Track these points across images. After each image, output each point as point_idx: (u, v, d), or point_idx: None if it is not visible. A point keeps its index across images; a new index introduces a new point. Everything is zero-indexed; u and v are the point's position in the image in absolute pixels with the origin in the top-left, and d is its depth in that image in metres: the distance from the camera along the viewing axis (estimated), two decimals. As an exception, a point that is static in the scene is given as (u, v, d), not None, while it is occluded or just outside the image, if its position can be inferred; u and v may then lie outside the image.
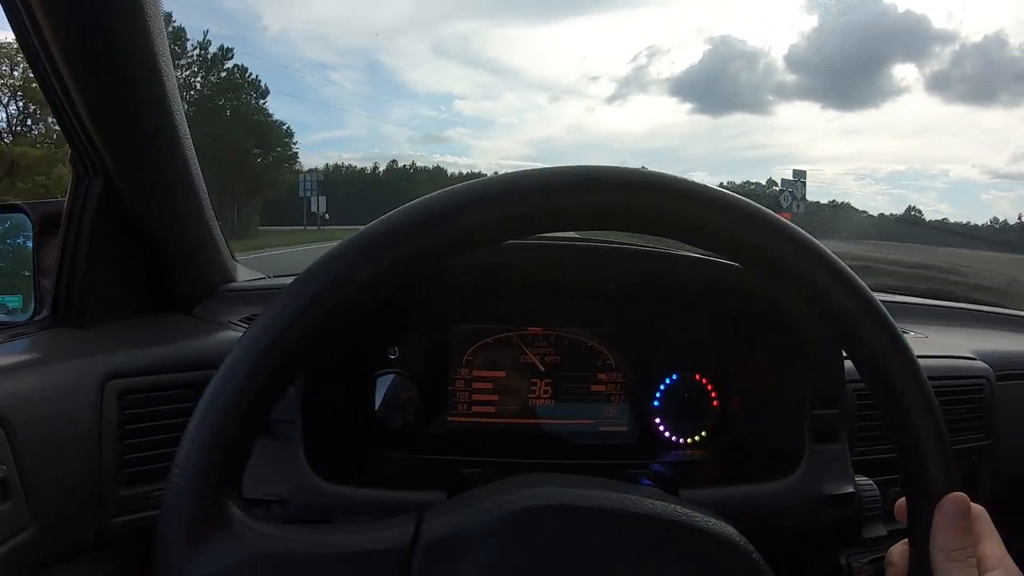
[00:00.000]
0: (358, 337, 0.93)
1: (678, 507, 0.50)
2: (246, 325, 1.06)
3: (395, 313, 0.94)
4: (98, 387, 0.84)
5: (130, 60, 0.85)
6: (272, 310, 0.48)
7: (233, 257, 1.24)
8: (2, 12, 0.79)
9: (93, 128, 0.88)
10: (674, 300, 1.01)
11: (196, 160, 1.01)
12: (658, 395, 1.02)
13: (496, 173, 0.51)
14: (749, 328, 0.98)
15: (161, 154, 0.96)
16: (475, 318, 0.99)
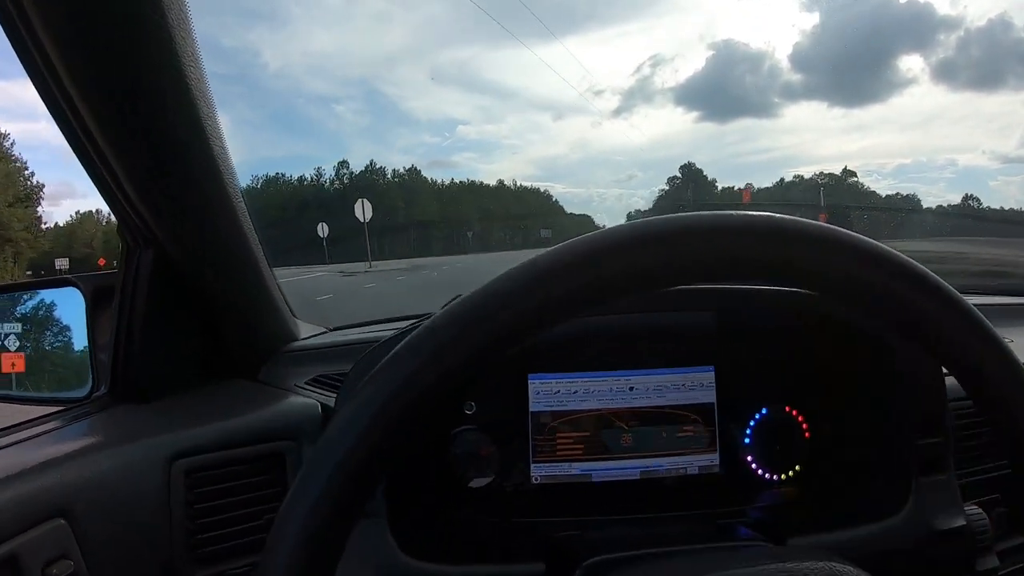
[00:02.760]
0: None
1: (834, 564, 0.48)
2: (313, 388, 1.04)
3: None
4: (164, 468, 0.81)
5: (174, 126, 0.80)
6: (364, 395, 0.43)
7: (293, 313, 1.20)
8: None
9: (138, 199, 0.84)
10: (756, 333, 0.97)
11: (250, 220, 0.97)
12: (748, 432, 0.98)
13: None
14: (836, 355, 0.94)
15: (213, 220, 0.92)
16: (554, 367, 0.95)
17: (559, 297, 0.41)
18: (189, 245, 0.93)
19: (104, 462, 0.77)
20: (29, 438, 0.82)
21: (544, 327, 0.42)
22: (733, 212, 0.43)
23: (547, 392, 0.95)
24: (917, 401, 0.84)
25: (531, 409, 0.95)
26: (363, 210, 29.93)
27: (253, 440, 0.89)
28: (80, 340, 0.96)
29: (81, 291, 0.95)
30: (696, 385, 0.96)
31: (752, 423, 0.98)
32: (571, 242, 0.42)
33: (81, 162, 0.82)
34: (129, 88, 0.74)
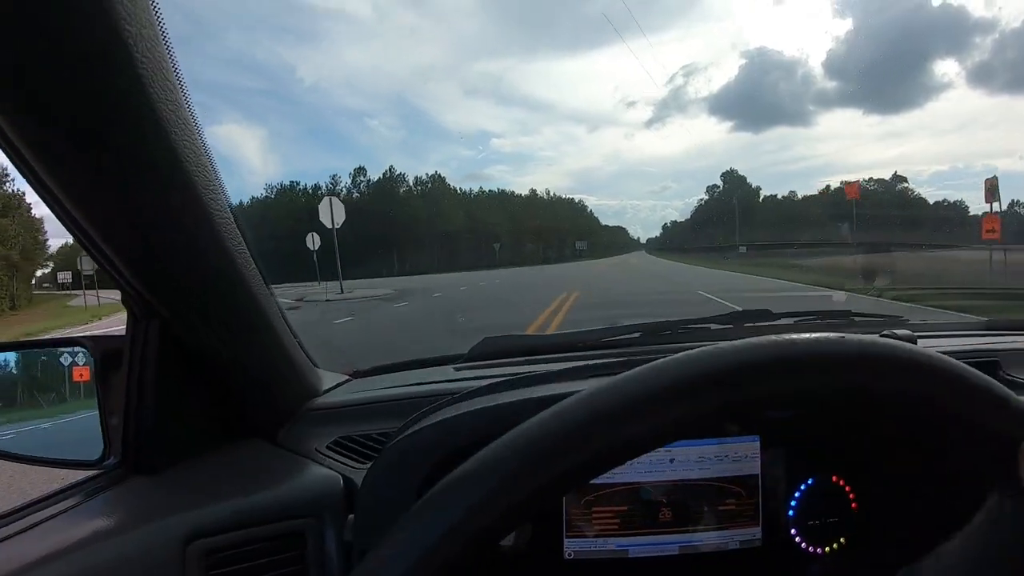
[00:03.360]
0: (442, 463, 0.85)
1: None
2: (335, 454, 1.00)
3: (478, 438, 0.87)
4: (179, 551, 0.77)
5: (167, 205, 0.73)
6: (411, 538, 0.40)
7: (314, 363, 1.15)
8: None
9: (133, 278, 0.80)
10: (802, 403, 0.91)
11: (260, 277, 0.91)
12: (793, 504, 0.93)
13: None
14: (886, 422, 0.86)
15: (219, 292, 0.87)
16: None
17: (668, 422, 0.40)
18: (194, 319, 0.89)
19: (117, 549, 0.75)
20: (43, 520, 0.79)
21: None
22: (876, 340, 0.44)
23: None
24: (972, 471, 0.79)
25: None
26: (330, 212, 21.49)
27: (272, 517, 0.85)
28: (90, 401, 0.93)
29: (89, 352, 0.92)
30: (740, 456, 0.91)
31: (797, 494, 0.93)
32: (672, 365, 0.41)
33: (74, 237, 0.76)
34: (111, 168, 0.67)
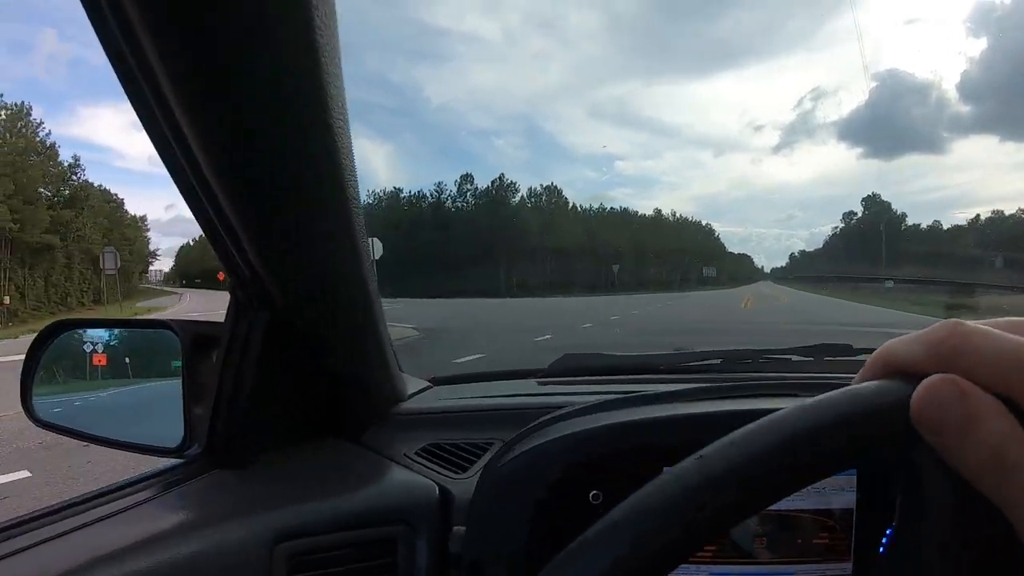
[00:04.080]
0: (560, 480, 0.81)
1: None
2: (424, 460, 0.98)
3: (606, 453, 0.82)
4: (266, 553, 0.75)
5: (313, 184, 0.71)
6: None
7: (401, 369, 1.13)
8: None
9: (259, 263, 0.77)
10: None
11: (376, 276, 0.90)
12: (885, 540, 0.81)
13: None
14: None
15: (343, 287, 0.85)
16: None
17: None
18: (311, 312, 0.87)
19: (201, 544, 0.71)
20: (120, 511, 0.77)
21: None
22: None
23: None
24: None
25: None
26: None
27: (364, 522, 0.83)
28: (174, 387, 0.91)
29: (178, 335, 0.89)
30: (836, 488, 0.86)
31: (890, 530, 0.82)
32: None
33: (193, 212, 0.75)
34: (275, 161, 0.66)
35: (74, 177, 44.23)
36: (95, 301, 43.89)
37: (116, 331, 1.04)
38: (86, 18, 0.56)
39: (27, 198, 37.50)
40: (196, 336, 0.89)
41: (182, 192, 0.71)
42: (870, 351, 1.19)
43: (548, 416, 0.86)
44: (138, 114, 0.63)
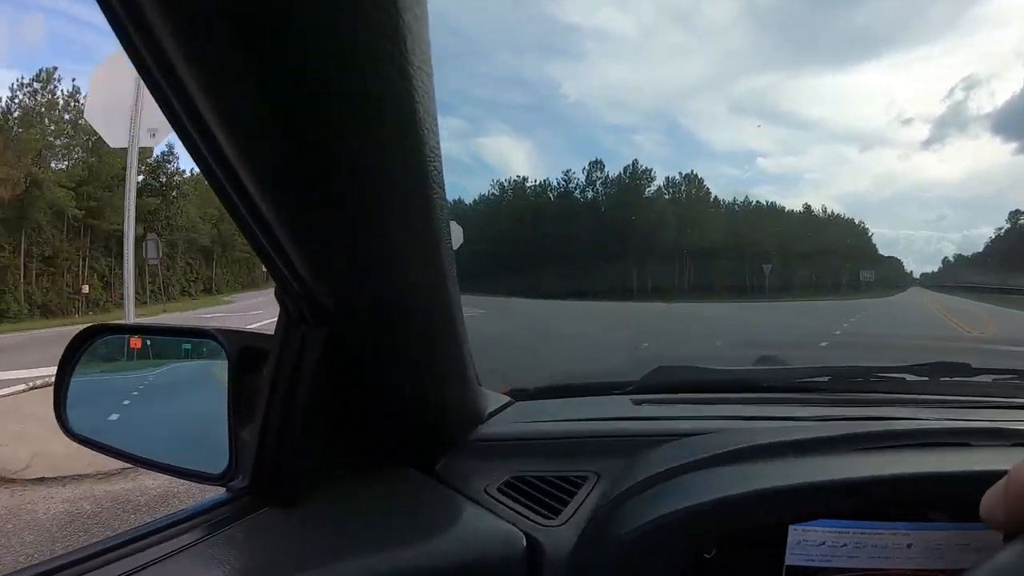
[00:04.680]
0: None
1: None
2: (510, 500, 0.84)
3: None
4: None
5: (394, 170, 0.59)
6: None
7: (479, 383, 0.98)
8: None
9: (311, 276, 0.65)
10: None
11: (458, 288, 0.76)
12: None
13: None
14: None
15: (420, 302, 0.73)
16: (822, 512, 0.76)
17: None
18: (377, 328, 0.74)
19: None
20: (165, 556, 0.68)
21: None
22: None
23: (810, 543, 0.77)
24: None
25: (787, 563, 0.77)
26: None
27: None
28: (219, 405, 0.78)
29: (224, 347, 0.77)
30: (981, 546, 0.77)
31: None
32: None
33: (254, 230, 0.62)
34: (349, 166, 0.56)
35: (168, 165, 44.06)
36: (206, 291, 45.43)
37: (156, 339, 0.93)
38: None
39: (104, 184, 37.83)
40: (243, 349, 0.77)
41: (233, 201, 0.59)
42: (990, 371, 1.25)
43: (663, 470, 0.79)
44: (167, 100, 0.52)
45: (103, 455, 0.87)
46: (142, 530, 0.72)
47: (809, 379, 1.21)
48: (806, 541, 0.78)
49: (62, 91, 37.87)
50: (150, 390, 0.90)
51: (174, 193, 44.08)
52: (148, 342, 0.91)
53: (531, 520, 0.81)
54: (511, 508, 0.83)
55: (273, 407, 0.73)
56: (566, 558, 0.75)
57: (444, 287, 0.74)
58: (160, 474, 0.86)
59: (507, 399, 1.15)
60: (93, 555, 0.67)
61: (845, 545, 0.79)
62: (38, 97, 37.66)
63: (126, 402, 0.89)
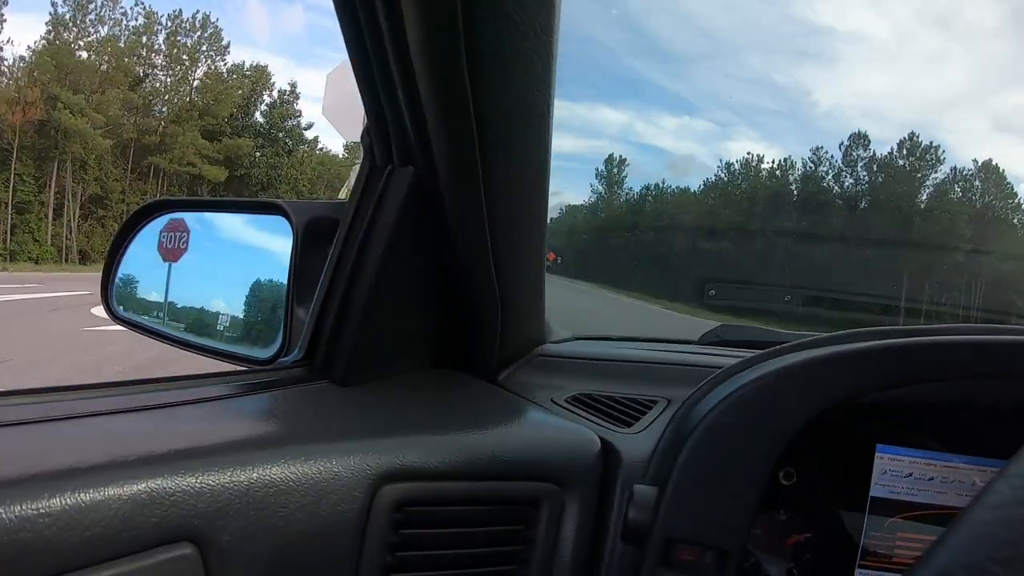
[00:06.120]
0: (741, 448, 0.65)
1: None
2: (579, 410, 0.80)
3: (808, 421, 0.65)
4: (366, 492, 0.58)
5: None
6: None
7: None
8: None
9: (411, 118, 0.65)
10: None
11: (548, 179, 0.75)
12: None
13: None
14: None
15: (516, 158, 0.70)
16: (913, 440, 0.69)
17: None
18: (461, 183, 0.69)
19: (287, 470, 0.56)
20: (201, 400, 0.64)
21: None
22: None
23: (897, 473, 0.71)
24: None
25: (871, 494, 0.70)
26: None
27: (498, 473, 0.65)
28: (273, 289, 0.78)
29: (290, 221, 0.76)
30: None
31: None
32: None
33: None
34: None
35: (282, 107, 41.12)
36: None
37: (221, 214, 0.91)
38: None
39: (174, 116, 35.24)
40: (312, 221, 0.76)
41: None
42: None
43: (759, 353, 0.72)
44: None
45: (146, 336, 0.84)
46: (183, 377, 0.70)
47: None
48: (892, 471, 0.73)
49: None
50: (201, 271, 0.87)
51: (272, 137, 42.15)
52: (209, 243, 0.89)
53: (605, 427, 0.77)
54: (584, 417, 0.79)
55: (338, 277, 0.70)
56: (643, 463, 0.70)
57: (541, 207, 0.76)
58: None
59: (570, 335, 1.09)
60: (125, 383, 0.66)
61: (932, 479, 0.73)
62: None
63: (175, 285, 0.86)
